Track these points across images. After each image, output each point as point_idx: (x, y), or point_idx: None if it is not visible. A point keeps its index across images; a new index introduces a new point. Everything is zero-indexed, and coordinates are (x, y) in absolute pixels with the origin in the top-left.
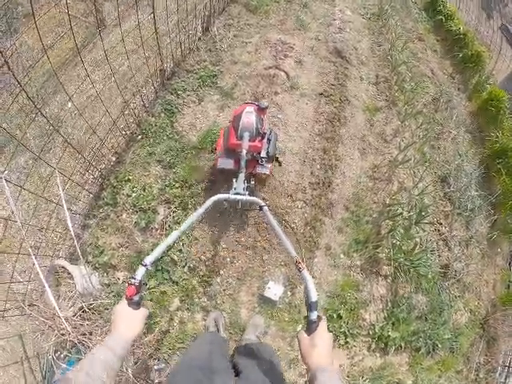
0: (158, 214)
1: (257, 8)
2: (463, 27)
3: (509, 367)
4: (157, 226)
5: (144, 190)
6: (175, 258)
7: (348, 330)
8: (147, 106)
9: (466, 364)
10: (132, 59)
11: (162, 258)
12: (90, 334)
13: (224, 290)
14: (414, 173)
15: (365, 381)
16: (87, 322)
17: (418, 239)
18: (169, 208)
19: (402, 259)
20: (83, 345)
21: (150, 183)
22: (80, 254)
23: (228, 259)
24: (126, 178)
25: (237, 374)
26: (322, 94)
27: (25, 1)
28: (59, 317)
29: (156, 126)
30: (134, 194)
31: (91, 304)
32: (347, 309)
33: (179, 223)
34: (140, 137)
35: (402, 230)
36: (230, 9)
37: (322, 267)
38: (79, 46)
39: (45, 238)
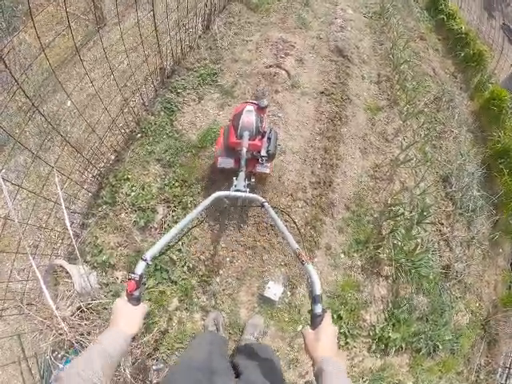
0: (157, 213)
1: (258, 6)
2: (465, 26)
3: (509, 368)
4: (156, 226)
5: (143, 189)
6: (174, 257)
7: (348, 331)
8: (147, 104)
9: (466, 365)
10: (132, 57)
11: (162, 254)
12: (88, 333)
13: (223, 290)
14: (416, 172)
15: (365, 382)
16: (85, 322)
17: (419, 240)
18: (168, 207)
19: (403, 260)
20: (81, 345)
21: (149, 182)
22: (78, 253)
23: (227, 259)
24: (125, 176)
25: (237, 374)
26: (323, 92)
27: None
28: (56, 316)
29: (155, 124)
30: (133, 193)
31: (89, 304)
32: (347, 309)
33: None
34: (139, 135)
35: (403, 231)
36: (230, 7)
37: (323, 267)
38: (79, 44)
39: (43, 237)
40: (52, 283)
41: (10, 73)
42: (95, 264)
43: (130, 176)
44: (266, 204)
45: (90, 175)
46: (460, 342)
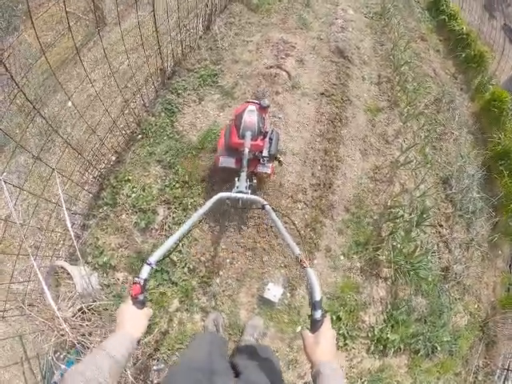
0: (158, 214)
1: (258, 6)
2: (466, 27)
3: (508, 370)
4: (156, 227)
5: (144, 191)
6: (175, 258)
7: (347, 332)
8: (147, 105)
9: (464, 366)
10: (132, 58)
11: (166, 257)
12: (90, 334)
13: (223, 291)
14: (416, 174)
15: (363, 383)
16: (87, 323)
17: (418, 242)
18: (169, 208)
19: (402, 261)
20: (82, 345)
21: (150, 183)
22: (79, 254)
23: (228, 260)
24: (126, 178)
25: (236, 374)
26: (323, 93)
27: None
28: (58, 317)
29: (156, 125)
30: (133, 195)
31: (91, 305)
32: (347, 311)
33: (179, 224)
34: (140, 136)
35: (402, 233)
36: (231, 7)
37: (322, 269)
38: (79, 44)
39: (45, 238)
40: (53, 284)
41: (11, 76)
42: (96, 265)
43: (130, 177)
44: (267, 206)
45: (91, 176)
46: (458, 343)
